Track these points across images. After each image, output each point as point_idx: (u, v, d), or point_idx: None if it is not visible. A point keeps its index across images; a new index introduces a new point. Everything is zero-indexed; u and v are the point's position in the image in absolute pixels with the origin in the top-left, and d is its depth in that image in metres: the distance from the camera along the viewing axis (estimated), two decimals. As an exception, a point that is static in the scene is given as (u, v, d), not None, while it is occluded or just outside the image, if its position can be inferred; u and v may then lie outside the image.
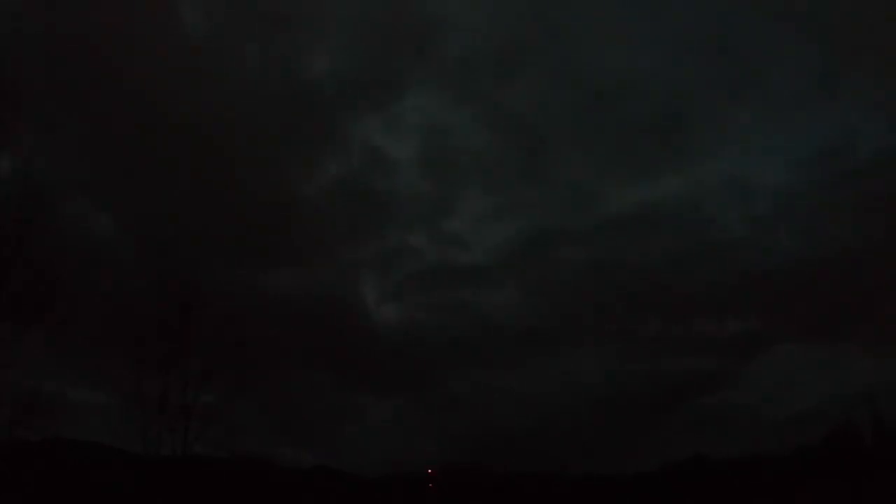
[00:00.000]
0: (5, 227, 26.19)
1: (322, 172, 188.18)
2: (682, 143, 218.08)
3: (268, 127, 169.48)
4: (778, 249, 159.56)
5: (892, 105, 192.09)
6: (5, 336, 26.16)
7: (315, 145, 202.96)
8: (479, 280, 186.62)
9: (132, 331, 35.45)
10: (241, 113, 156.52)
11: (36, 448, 37.98)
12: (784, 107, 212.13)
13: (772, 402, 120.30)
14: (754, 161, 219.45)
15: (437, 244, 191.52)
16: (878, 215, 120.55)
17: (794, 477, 58.57)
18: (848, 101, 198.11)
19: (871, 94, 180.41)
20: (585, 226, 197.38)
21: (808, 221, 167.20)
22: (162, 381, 35.26)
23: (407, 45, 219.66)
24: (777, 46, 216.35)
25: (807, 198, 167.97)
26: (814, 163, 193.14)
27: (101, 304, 34.09)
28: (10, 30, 32.19)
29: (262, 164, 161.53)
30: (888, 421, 61.19)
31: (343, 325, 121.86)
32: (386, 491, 73.78)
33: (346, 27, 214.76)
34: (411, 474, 77.35)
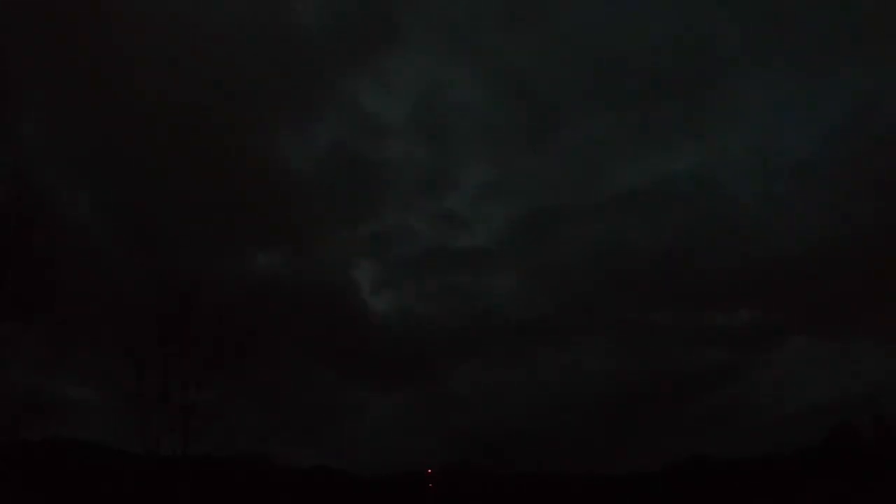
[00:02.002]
0: (5, 227, 26.20)
1: (310, 142, 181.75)
2: (699, 112, 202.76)
3: (251, 91, 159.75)
4: (798, 229, 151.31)
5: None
6: (5, 335, 26.18)
7: (302, 111, 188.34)
8: (479, 264, 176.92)
9: (132, 330, 35.46)
10: (223, 73, 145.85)
11: (36, 448, 38.01)
12: (807, 73, 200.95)
13: (776, 400, 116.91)
14: (775, 131, 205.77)
15: (435, 224, 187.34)
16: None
17: (794, 477, 58.54)
18: (878, 65, 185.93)
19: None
20: (593, 202, 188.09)
21: (832, 197, 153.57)
22: (162, 380, 35.27)
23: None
24: (799, 9, 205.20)
25: (831, 170, 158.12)
26: (838, 132, 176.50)
27: (100, 302, 34.08)
28: None
29: (247, 134, 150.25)
30: (889, 421, 61.20)
31: (337, 314, 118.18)
32: (386, 491, 73.72)
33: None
34: (411, 474, 77.27)
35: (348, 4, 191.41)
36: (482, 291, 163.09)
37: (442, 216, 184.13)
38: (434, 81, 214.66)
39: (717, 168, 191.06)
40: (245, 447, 45.66)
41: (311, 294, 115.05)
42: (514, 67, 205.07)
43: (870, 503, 48.71)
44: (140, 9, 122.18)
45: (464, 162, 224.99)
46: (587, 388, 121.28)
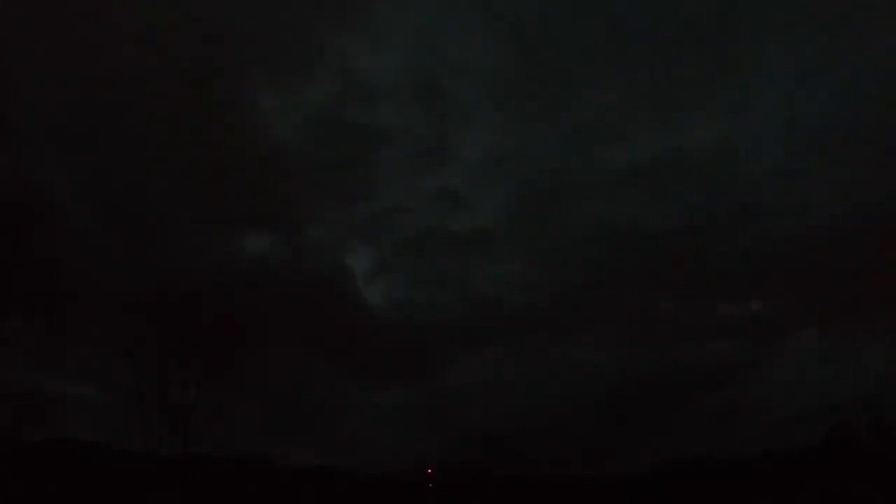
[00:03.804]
0: (5, 227, 26.23)
1: (294, 107, 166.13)
2: (720, 75, 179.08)
3: (230, 49, 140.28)
4: (817, 209, 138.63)
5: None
6: (5, 335, 26.21)
7: (286, 74, 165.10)
8: (482, 248, 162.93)
9: (132, 330, 35.52)
10: (200, 31, 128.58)
11: (37, 447, 38.02)
12: (832, 42, 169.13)
13: (777, 399, 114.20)
14: (797, 103, 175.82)
15: (433, 202, 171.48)
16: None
17: (794, 477, 58.52)
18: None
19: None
20: (601, 178, 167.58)
21: (854, 173, 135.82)
22: (162, 380, 35.36)
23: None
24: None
25: (854, 144, 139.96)
26: (867, 103, 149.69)
27: (100, 302, 34.11)
28: None
29: (226, 100, 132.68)
30: (888, 421, 61.25)
31: (332, 307, 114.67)
32: (386, 491, 73.68)
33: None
34: (411, 474, 77.27)
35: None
36: (483, 279, 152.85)
37: (441, 193, 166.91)
38: (432, 39, 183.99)
39: (736, 139, 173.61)
40: (245, 447, 45.76)
41: (304, 285, 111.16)
42: (522, 28, 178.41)
43: (869, 503, 48.68)
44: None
45: (465, 130, 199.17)
46: (588, 385, 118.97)
